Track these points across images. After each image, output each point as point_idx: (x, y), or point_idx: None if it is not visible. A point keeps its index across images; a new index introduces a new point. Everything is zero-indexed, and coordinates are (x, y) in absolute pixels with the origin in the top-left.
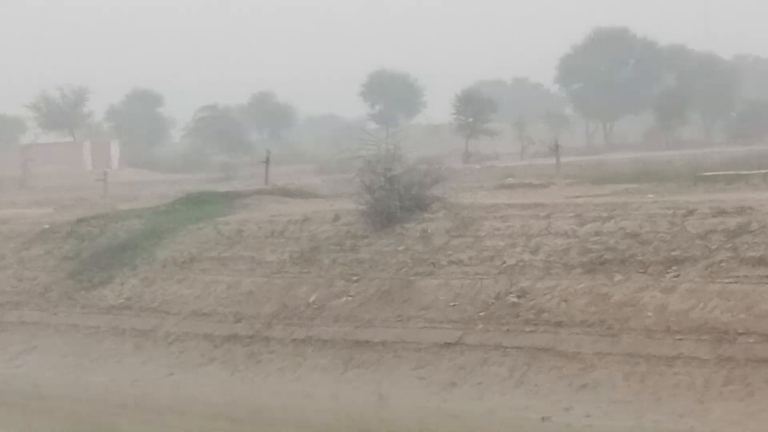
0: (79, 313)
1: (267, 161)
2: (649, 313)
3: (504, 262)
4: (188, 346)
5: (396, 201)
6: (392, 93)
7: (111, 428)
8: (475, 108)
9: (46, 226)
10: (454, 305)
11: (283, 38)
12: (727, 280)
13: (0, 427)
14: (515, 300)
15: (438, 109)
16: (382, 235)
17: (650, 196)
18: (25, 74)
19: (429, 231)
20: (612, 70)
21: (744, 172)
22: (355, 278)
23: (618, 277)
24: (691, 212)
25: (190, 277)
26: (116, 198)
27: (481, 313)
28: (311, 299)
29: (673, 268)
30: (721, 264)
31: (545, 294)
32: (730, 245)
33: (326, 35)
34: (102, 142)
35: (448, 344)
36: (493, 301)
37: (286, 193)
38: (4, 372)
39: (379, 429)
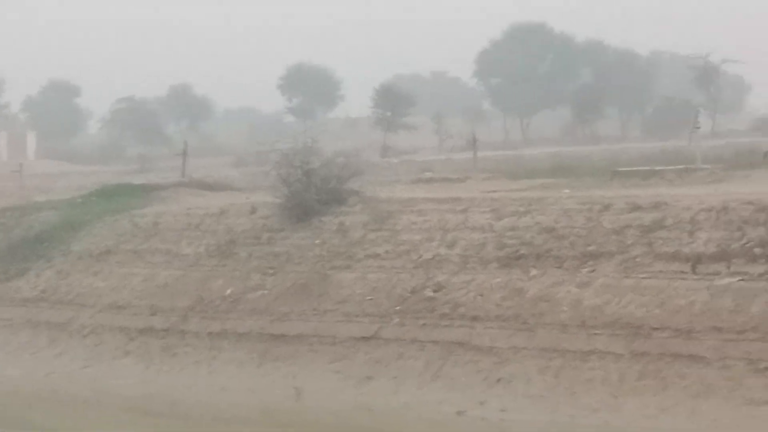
0: None
1: (184, 153)
2: (565, 308)
3: (420, 256)
4: (103, 338)
5: (313, 194)
6: (310, 86)
7: (25, 422)
8: (393, 102)
9: None
10: (370, 299)
11: (201, 31)
12: (641, 276)
13: None
14: (431, 294)
15: (356, 102)
16: (299, 229)
17: (566, 191)
18: None
19: (346, 224)
20: (529, 64)
21: (659, 168)
22: (271, 271)
23: (534, 272)
24: (606, 207)
25: (105, 270)
26: (32, 189)
27: (398, 307)
28: (227, 292)
29: (589, 263)
30: (636, 259)
31: (461, 288)
32: (645, 241)
33: (245, 28)
34: (18, 133)
35: (364, 338)
36: (410, 295)
37: (203, 185)
38: None
39: (295, 422)
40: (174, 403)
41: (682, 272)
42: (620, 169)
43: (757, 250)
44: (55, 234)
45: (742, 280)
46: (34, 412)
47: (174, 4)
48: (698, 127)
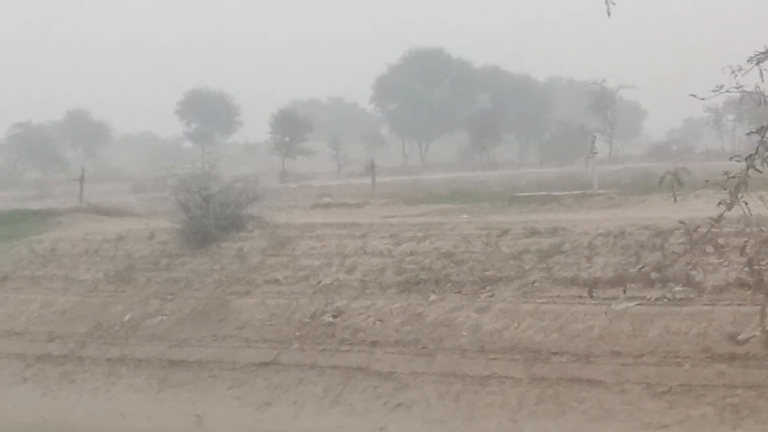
0: None
1: (81, 179)
2: (464, 333)
3: (320, 282)
4: (0, 365)
5: (211, 220)
6: (208, 111)
7: None
8: (291, 127)
9: None
10: (270, 324)
11: (100, 55)
12: (540, 300)
13: None
14: (331, 319)
15: (254, 128)
16: (197, 254)
17: (465, 216)
18: None
19: (245, 250)
20: (427, 89)
21: (557, 193)
22: (170, 297)
23: (433, 297)
24: (505, 232)
25: (2, 296)
26: None
27: (297, 333)
28: (126, 318)
29: (488, 288)
30: (534, 284)
31: (361, 313)
32: (543, 265)
33: (145, 52)
34: None
35: (263, 363)
36: (309, 320)
37: (101, 211)
38: None
39: None
40: (71, 430)
41: (580, 297)
42: (518, 194)
43: (653, 275)
44: None
45: (639, 304)
46: None
47: (72, 27)
48: (595, 153)
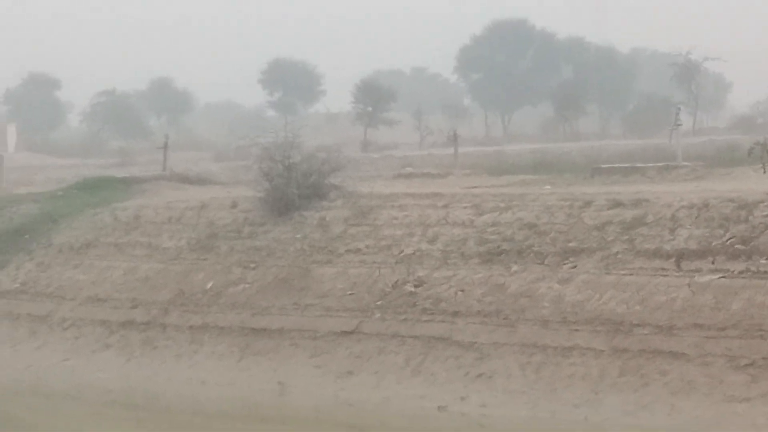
0: None
1: (165, 147)
2: (546, 304)
3: (402, 251)
4: (84, 331)
5: (294, 189)
6: (291, 81)
7: (5, 415)
8: (373, 97)
9: None
10: (351, 293)
11: (183, 24)
12: (622, 272)
13: None
14: (412, 289)
15: (337, 97)
16: (279, 223)
17: (547, 187)
18: None
19: (327, 219)
20: (510, 60)
21: (640, 165)
22: (252, 265)
23: (515, 268)
24: (587, 204)
25: (86, 263)
26: (12, 182)
27: (379, 302)
28: (208, 286)
29: (570, 259)
30: (617, 256)
31: (442, 283)
32: (626, 237)
33: (226, 22)
34: None
35: (345, 332)
36: (391, 289)
37: (184, 179)
38: None
39: (276, 417)
40: (154, 397)
41: (663, 269)
42: (601, 166)
43: (738, 247)
44: (36, 227)
45: (723, 277)
46: (13, 405)
47: None
48: (679, 124)
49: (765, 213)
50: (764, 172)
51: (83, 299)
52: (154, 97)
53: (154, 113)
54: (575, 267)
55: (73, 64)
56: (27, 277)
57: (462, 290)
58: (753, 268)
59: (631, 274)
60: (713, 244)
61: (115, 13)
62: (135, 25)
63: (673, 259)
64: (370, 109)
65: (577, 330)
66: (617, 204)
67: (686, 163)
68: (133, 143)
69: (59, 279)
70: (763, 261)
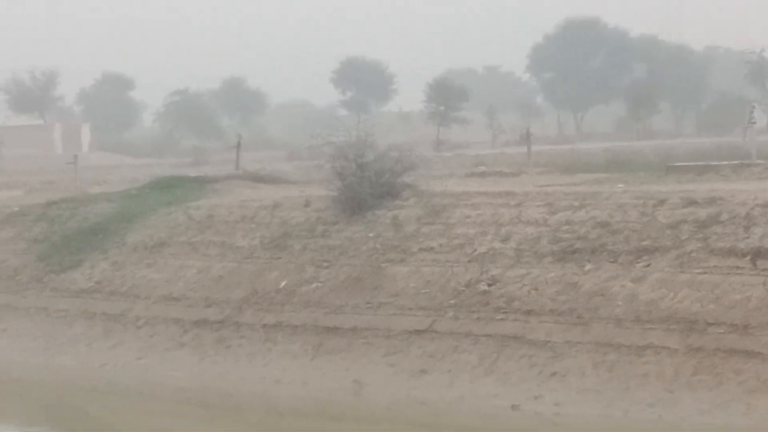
0: (48, 296)
1: (238, 146)
2: (619, 303)
3: (475, 250)
4: (158, 330)
5: (367, 188)
6: (364, 80)
7: (80, 412)
8: (446, 96)
9: (16, 209)
10: (424, 292)
11: (255, 24)
12: (697, 271)
13: None
14: (486, 288)
15: (409, 96)
16: (352, 222)
17: (621, 185)
18: None
19: (400, 218)
20: (583, 59)
21: (714, 163)
22: (325, 264)
23: (588, 267)
24: (661, 202)
25: (160, 262)
26: (86, 181)
27: (452, 301)
28: (281, 285)
29: (644, 257)
30: (692, 254)
31: (516, 282)
32: (700, 236)
33: (298, 21)
34: (72, 125)
35: (418, 331)
36: (464, 288)
37: (257, 178)
38: None
39: (349, 415)
40: (228, 395)
41: (738, 267)
42: (675, 164)
43: None
44: (110, 226)
45: None
46: (89, 403)
47: None
48: (753, 122)
49: None
50: None
51: (157, 298)
52: (227, 97)
53: (227, 113)
54: (649, 265)
55: (146, 64)
56: (102, 276)
57: (535, 289)
58: None
59: (705, 273)
60: None
61: (189, 14)
62: (208, 24)
63: (748, 258)
64: (442, 108)
65: (651, 329)
66: (691, 202)
67: (760, 161)
68: (206, 142)
69: (133, 278)
70: None
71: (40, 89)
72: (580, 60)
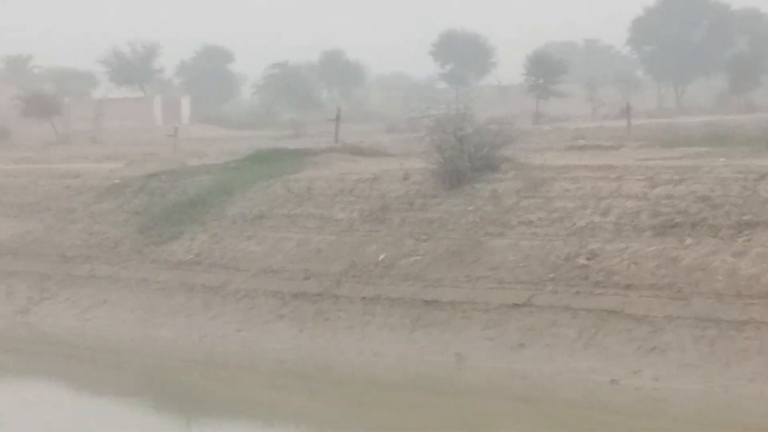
0: (148, 268)
1: (337, 119)
2: (720, 277)
3: (574, 224)
4: (257, 302)
5: (466, 161)
6: (462, 53)
7: (180, 383)
8: (545, 69)
9: (117, 181)
10: (523, 266)
11: None
12: None
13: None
14: (585, 262)
15: (508, 70)
16: (451, 195)
17: (722, 159)
18: (96, 28)
19: (499, 191)
20: (684, 32)
21: None
22: (424, 237)
23: (688, 241)
24: (763, 176)
25: (259, 234)
26: (186, 154)
27: (551, 275)
28: (380, 258)
29: (745, 232)
30: None
31: (615, 256)
32: None
33: None
34: (172, 98)
35: (516, 305)
36: (563, 262)
37: (356, 151)
38: (74, 325)
39: (448, 388)
40: (327, 368)
41: None
42: None
43: None
44: (209, 198)
45: None
46: (188, 375)
47: None
48: None
49: None
50: None
51: (256, 270)
52: (326, 69)
53: (326, 85)
54: (750, 240)
55: (244, 36)
56: (201, 248)
57: (635, 263)
58: None
59: None
60: None
61: None
62: None
63: None
64: (541, 81)
65: (752, 304)
66: None
67: None
68: (305, 115)
69: (233, 250)
70: None
71: (140, 61)
72: (681, 33)
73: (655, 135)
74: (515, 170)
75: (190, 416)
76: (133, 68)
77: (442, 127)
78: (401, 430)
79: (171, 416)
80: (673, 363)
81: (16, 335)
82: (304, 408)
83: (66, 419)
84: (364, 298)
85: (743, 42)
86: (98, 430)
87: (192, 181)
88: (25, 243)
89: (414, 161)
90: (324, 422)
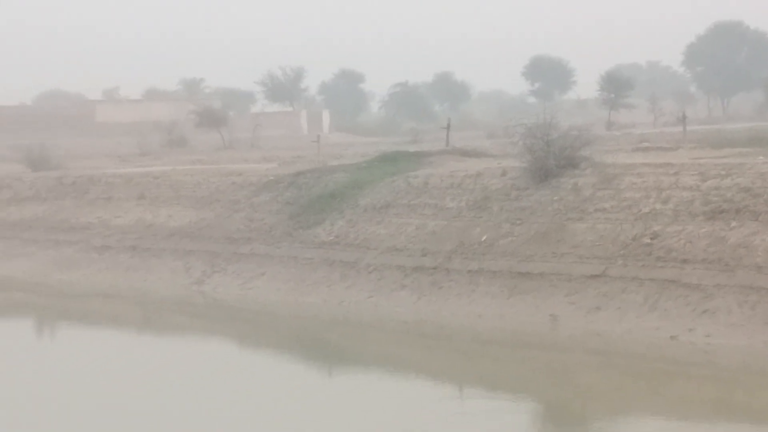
0: (297, 248)
1: (447, 127)
2: (760, 253)
3: (640, 210)
4: (384, 274)
5: (552, 160)
6: (549, 73)
7: (323, 340)
8: (615, 85)
9: (272, 178)
10: (598, 245)
11: (459, 25)
12: None
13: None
14: (649, 241)
15: (585, 86)
16: (540, 188)
17: (761, 158)
18: (253, 56)
19: (578, 185)
20: (729, 55)
21: None
22: (518, 222)
23: (734, 224)
24: None
25: (385, 220)
26: (327, 156)
27: (621, 251)
28: (483, 238)
29: None
30: None
31: (673, 236)
32: None
33: (494, 20)
34: (315, 112)
35: (593, 276)
36: (631, 241)
37: (463, 153)
38: (239, 293)
39: (538, 344)
40: (441, 327)
41: None
42: None
43: None
44: (345, 191)
45: None
46: (330, 332)
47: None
48: None
49: None
50: None
51: (383, 249)
52: (438, 88)
53: (438, 100)
54: None
55: (372, 61)
56: (339, 231)
57: (690, 242)
58: None
59: None
60: None
61: (404, 19)
62: (424, 27)
63: None
64: (612, 95)
65: None
66: None
67: None
68: (421, 125)
69: (364, 233)
70: None
71: (289, 83)
72: (726, 56)
73: (705, 138)
74: (591, 167)
75: (331, 365)
76: (284, 88)
77: (533, 133)
78: (500, 377)
79: (316, 364)
80: (721, 323)
81: (194, 301)
82: (422, 359)
83: (234, 368)
84: (470, 270)
85: None
86: (259, 375)
87: (331, 178)
88: (199, 228)
89: (510, 161)
90: (438, 371)
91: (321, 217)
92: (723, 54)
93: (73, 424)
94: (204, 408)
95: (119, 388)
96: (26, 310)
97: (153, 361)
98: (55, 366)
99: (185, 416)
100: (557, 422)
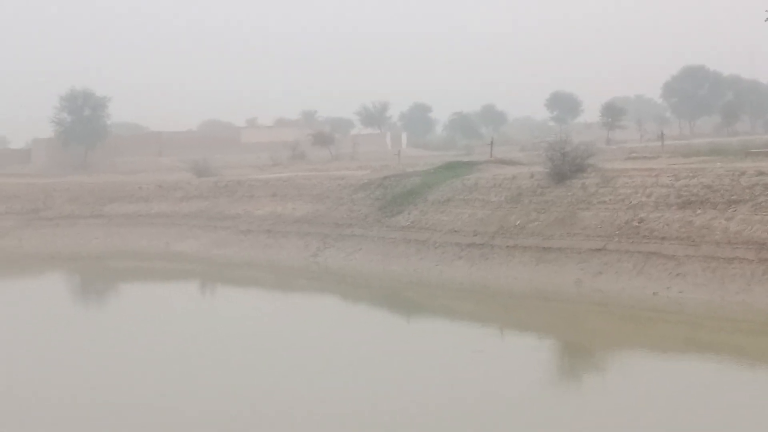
0: (384, 230)
1: (491, 144)
2: (718, 233)
3: (630, 202)
4: (446, 249)
5: (566, 166)
6: (564, 104)
7: (403, 295)
8: (612, 113)
9: (366, 181)
10: (600, 227)
11: (497, 64)
12: (765, 214)
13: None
14: (637, 224)
15: (590, 112)
16: (558, 187)
17: (718, 164)
18: (353, 94)
19: (586, 184)
20: (695, 90)
21: None
22: (542, 211)
23: (699, 211)
24: (743, 173)
25: (447, 210)
26: (405, 165)
27: (617, 232)
28: (517, 223)
29: (732, 206)
30: (762, 204)
31: (655, 221)
32: (767, 193)
33: (523, 56)
34: (396, 133)
35: (597, 249)
36: (624, 224)
37: (502, 162)
38: (343, 264)
39: (555, 298)
40: (486, 287)
41: None
42: (752, 150)
43: None
44: (418, 190)
45: None
46: (408, 290)
47: (481, 45)
48: None
49: None
50: None
51: (446, 231)
52: (484, 115)
53: (484, 124)
54: (735, 210)
55: (439, 95)
56: (414, 218)
57: (667, 224)
58: None
59: None
60: None
61: (461, 67)
62: (474, 70)
63: None
64: (610, 119)
65: (737, 248)
66: (761, 173)
67: None
68: (472, 142)
69: (432, 219)
70: None
71: (378, 113)
72: (693, 90)
73: (678, 150)
74: (595, 172)
75: (409, 312)
76: (374, 117)
77: (552, 147)
78: (530, 321)
79: (398, 312)
80: (690, 283)
81: (311, 269)
82: (473, 309)
83: (342, 313)
84: (508, 246)
85: (730, 95)
86: (360, 318)
87: (408, 180)
88: (315, 216)
89: (536, 167)
90: (484, 317)
91: (401, 208)
92: (690, 89)
93: (250, 341)
94: (324, 333)
95: (268, 322)
96: (195, 275)
97: (286, 307)
98: (221, 309)
99: (314, 337)
100: (572, 352)
